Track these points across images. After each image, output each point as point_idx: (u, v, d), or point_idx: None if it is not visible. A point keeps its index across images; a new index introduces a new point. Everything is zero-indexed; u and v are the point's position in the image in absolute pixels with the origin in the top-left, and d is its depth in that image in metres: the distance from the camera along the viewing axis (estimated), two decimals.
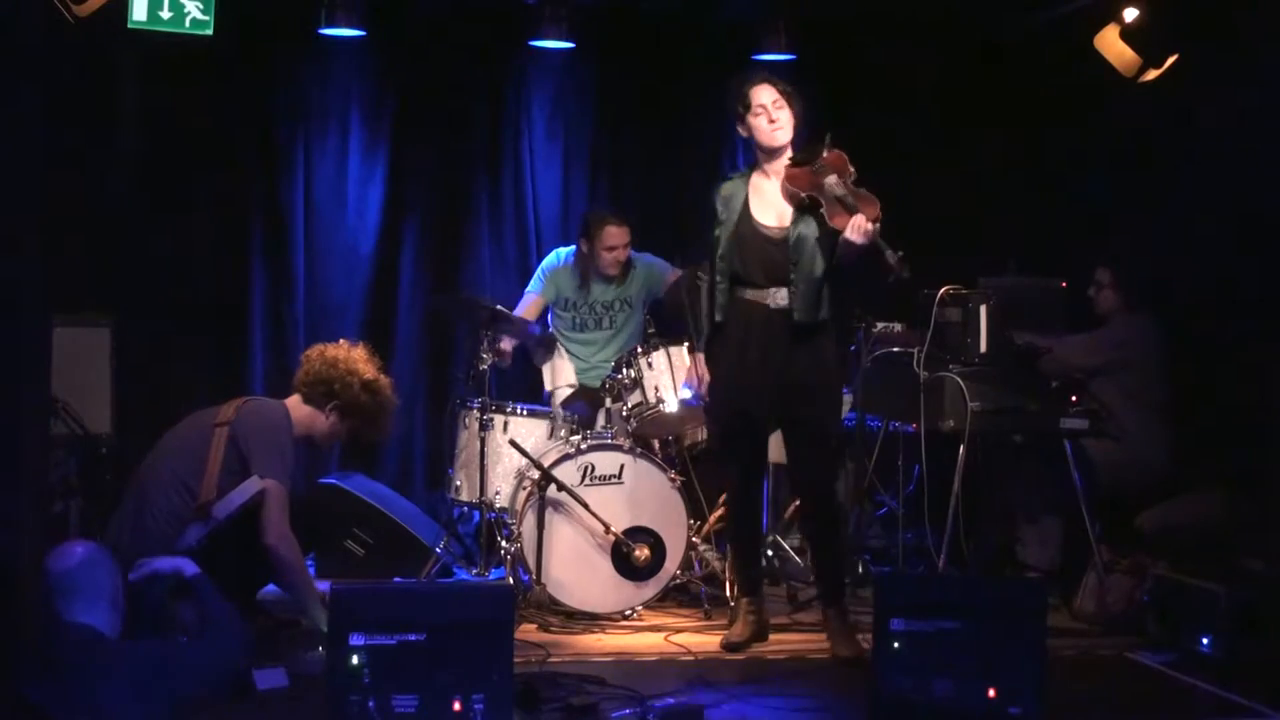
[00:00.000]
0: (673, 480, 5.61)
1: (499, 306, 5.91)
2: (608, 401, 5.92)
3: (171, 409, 5.57)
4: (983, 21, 6.90)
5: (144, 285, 6.53)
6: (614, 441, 5.63)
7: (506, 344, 6.19)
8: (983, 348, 5.58)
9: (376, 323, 7.04)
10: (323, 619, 4.34)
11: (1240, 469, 5.51)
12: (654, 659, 5.02)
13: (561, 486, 5.47)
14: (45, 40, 4.82)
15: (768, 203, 5.04)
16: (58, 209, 5.23)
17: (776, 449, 5.36)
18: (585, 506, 5.48)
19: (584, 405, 6.24)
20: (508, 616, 4.04)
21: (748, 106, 5.01)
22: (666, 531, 5.55)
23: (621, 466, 5.58)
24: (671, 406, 5.69)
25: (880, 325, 5.99)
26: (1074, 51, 6.25)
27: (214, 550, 4.49)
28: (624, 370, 5.81)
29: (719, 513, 5.87)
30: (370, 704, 3.81)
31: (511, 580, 5.54)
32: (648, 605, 5.58)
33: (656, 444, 5.96)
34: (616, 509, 5.53)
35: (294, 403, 5.09)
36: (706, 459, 6.16)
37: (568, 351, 6.47)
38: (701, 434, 6.18)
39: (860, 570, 6.03)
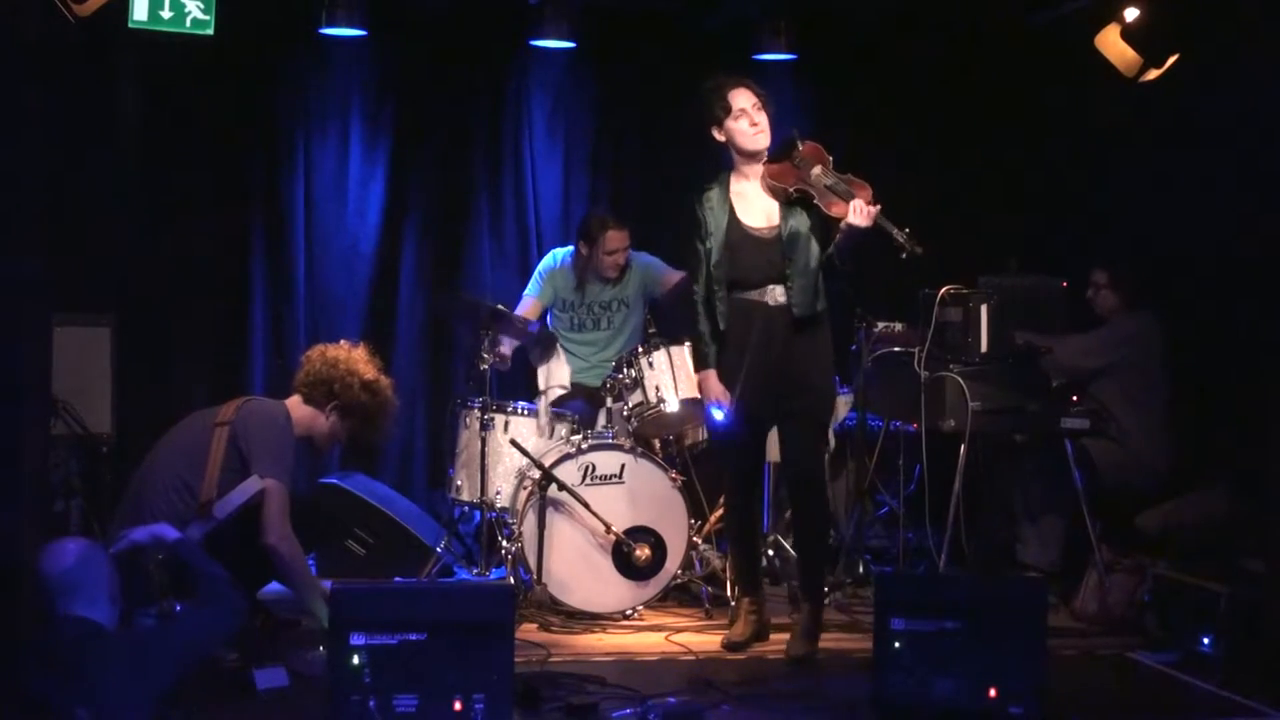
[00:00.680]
0: (673, 480, 5.61)
1: (499, 306, 5.91)
2: (608, 401, 5.92)
3: (171, 409, 5.58)
4: (983, 21, 6.90)
5: (144, 285, 6.52)
6: (615, 441, 5.63)
7: (506, 347, 6.19)
8: (983, 347, 5.58)
9: (377, 322, 7.04)
10: (326, 616, 4.34)
11: (1240, 469, 5.50)
12: (655, 659, 5.02)
13: (562, 486, 5.47)
14: (46, 40, 4.83)
15: (752, 205, 5.05)
16: (58, 209, 5.25)
17: (774, 448, 5.37)
18: (586, 506, 5.48)
19: (581, 403, 6.24)
20: (508, 616, 4.04)
21: (727, 110, 4.99)
22: (667, 531, 5.55)
23: (622, 466, 5.58)
24: (672, 406, 5.69)
25: (881, 325, 5.98)
26: (1074, 51, 6.25)
27: (214, 550, 4.48)
28: (624, 370, 5.81)
29: (719, 512, 5.87)
30: (371, 703, 3.81)
31: (512, 580, 5.54)
32: (648, 605, 5.59)
33: (657, 444, 5.97)
34: (617, 509, 5.53)
35: (294, 403, 5.09)
36: (707, 458, 6.17)
37: (568, 352, 6.46)
38: (702, 434, 6.18)
39: (861, 570, 6.03)
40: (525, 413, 5.96)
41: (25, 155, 4.62)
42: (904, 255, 4.80)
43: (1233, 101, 5.79)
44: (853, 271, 4.98)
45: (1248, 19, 5.58)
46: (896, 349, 5.86)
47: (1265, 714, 4.41)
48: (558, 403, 6.24)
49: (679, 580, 5.68)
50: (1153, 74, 5.93)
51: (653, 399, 5.69)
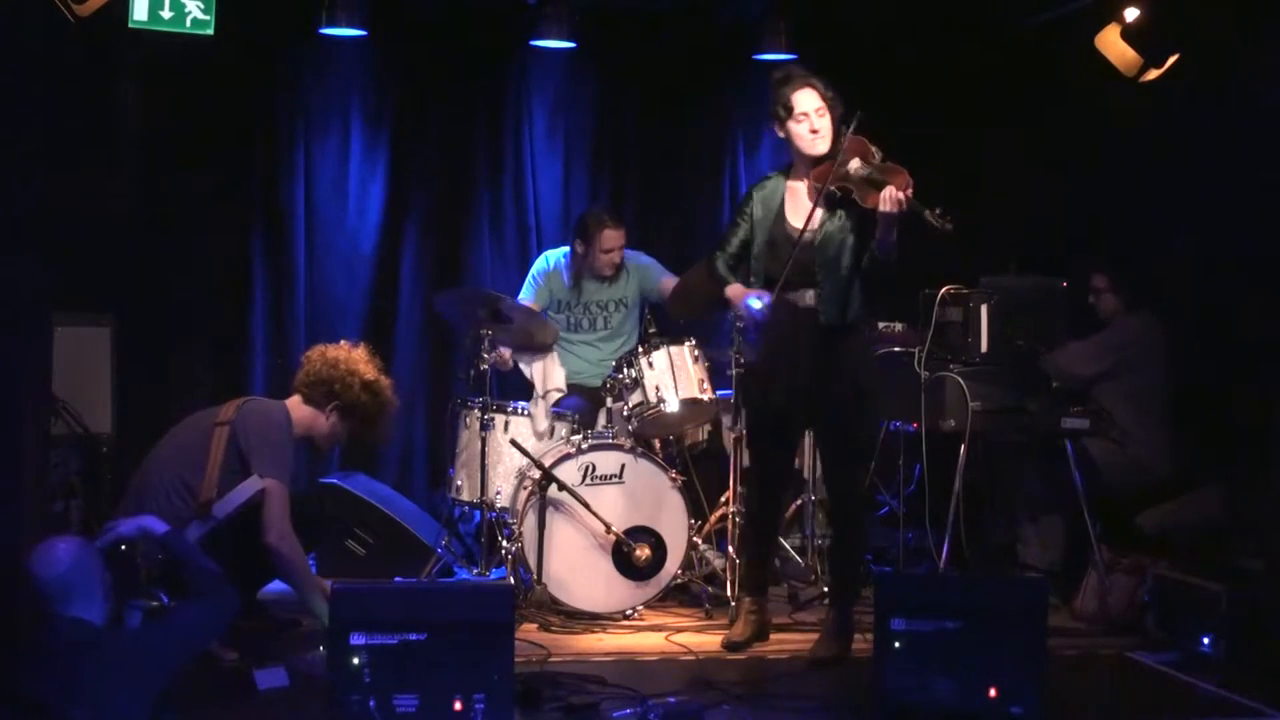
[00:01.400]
0: (673, 480, 5.61)
1: (504, 297, 5.90)
2: (608, 401, 5.91)
3: (171, 409, 5.58)
4: (983, 21, 6.89)
5: (144, 285, 6.52)
6: (615, 441, 5.63)
7: (506, 351, 6.19)
8: (983, 347, 5.58)
9: (377, 322, 7.04)
10: (327, 615, 4.33)
11: (1240, 469, 5.50)
12: (654, 659, 5.02)
13: (562, 486, 5.47)
14: (46, 40, 4.84)
15: (800, 205, 4.96)
16: (58, 209, 5.25)
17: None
18: (586, 506, 5.48)
19: (578, 400, 6.24)
20: (508, 616, 4.04)
21: (789, 111, 4.88)
22: (667, 531, 5.55)
23: (622, 466, 5.58)
24: (672, 406, 5.69)
25: (881, 325, 5.99)
26: (1074, 51, 6.25)
27: (214, 550, 4.48)
28: (625, 370, 5.80)
29: (720, 512, 5.87)
30: (371, 703, 3.81)
31: (512, 580, 5.54)
32: (648, 605, 5.59)
33: (657, 444, 5.96)
34: (617, 509, 5.53)
35: (294, 403, 5.09)
36: (707, 458, 6.17)
37: (567, 353, 6.45)
38: (702, 434, 6.20)
39: (861, 570, 6.03)
40: (525, 413, 5.96)
41: (25, 155, 4.62)
42: (938, 235, 4.68)
43: (1233, 101, 5.79)
44: (893, 263, 4.78)
45: (1248, 19, 5.59)
46: (896, 349, 5.86)
47: (1265, 714, 4.41)
48: (555, 404, 6.23)
49: (679, 580, 5.67)
50: (1153, 74, 5.93)
51: (653, 399, 5.68)
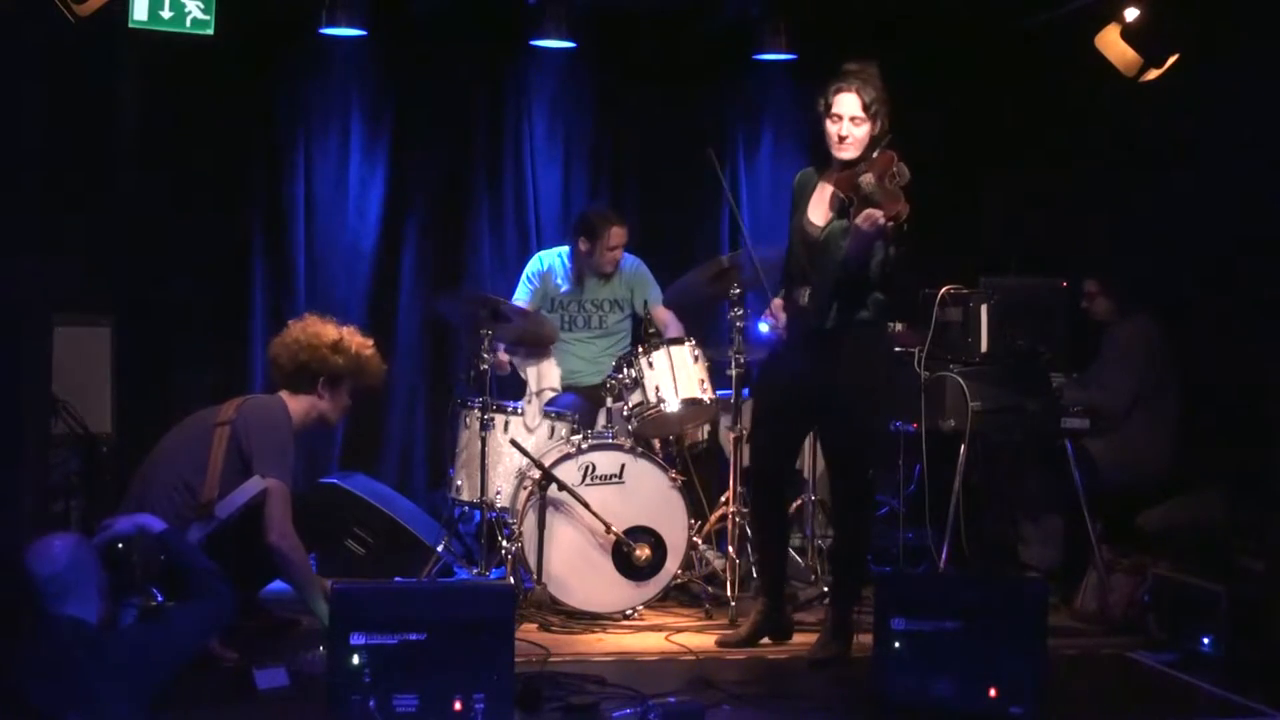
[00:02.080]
0: (673, 480, 5.61)
1: (502, 300, 5.91)
2: (608, 401, 5.92)
3: (171, 409, 5.59)
4: (983, 21, 6.89)
5: (144, 285, 6.52)
6: (615, 441, 5.63)
7: (504, 355, 6.20)
8: (983, 347, 5.58)
9: (377, 322, 7.01)
10: (328, 615, 4.33)
11: (1240, 469, 5.50)
12: (654, 659, 5.02)
13: (562, 486, 5.47)
14: (46, 40, 4.84)
15: (820, 204, 4.94)
16: (58, 209, 5.25)
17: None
18: (586, 506, 5.48)
19: (575, 399, 6.24)
20: (508, 616, 4.05)
21: (828, 109, 4.83)
22: (667, 531, 5.55)
23: (622, 466, 5.58)
24: (672, 406, 5.69)
25: None
26: (1074, 51, 6.25)
27: (216, 550, 4.49)
28: (625, 370, 5.80)
29: (719, 512, 5.87)
30: (371, 703, 3.82)
31: (512, 580, 5.54)
32: (648, 605, 5.58)
33: (657, 443, 5.97)
34: (617, 508, 5.53)
35: (285, 397, 5.09)
36: (707, 458, 6.17)
37: (565, 352, 6.45)
38: (702, 433, 6.20)
39: (862, 571, 6.02)
40: (519, 412, 5.96)
41: (25, 155, 4.63)
42: (887, 261, 4.72)
43: (1233, 101, 5.79)
44: (863, 275, 4.77)
45: (1248, 19, 5.59)
46: (896, 349, 5.86)
47: (1265, 714, 4.40)
48: (550, 404, 6.23)
49: (679, 580, 5.68)
50: (1153, 74, 5.93)
51: (653, 399, 5.68)
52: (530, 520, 5.49)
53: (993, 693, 4.13)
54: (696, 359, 5.75)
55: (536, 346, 6.30)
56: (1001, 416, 5.60)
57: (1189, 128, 6.04)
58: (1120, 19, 5.96)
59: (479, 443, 5.72)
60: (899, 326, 6.01)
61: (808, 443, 5.84)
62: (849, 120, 4.79)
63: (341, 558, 5.93)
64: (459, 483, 5.94)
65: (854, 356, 4.87)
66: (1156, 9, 5.87)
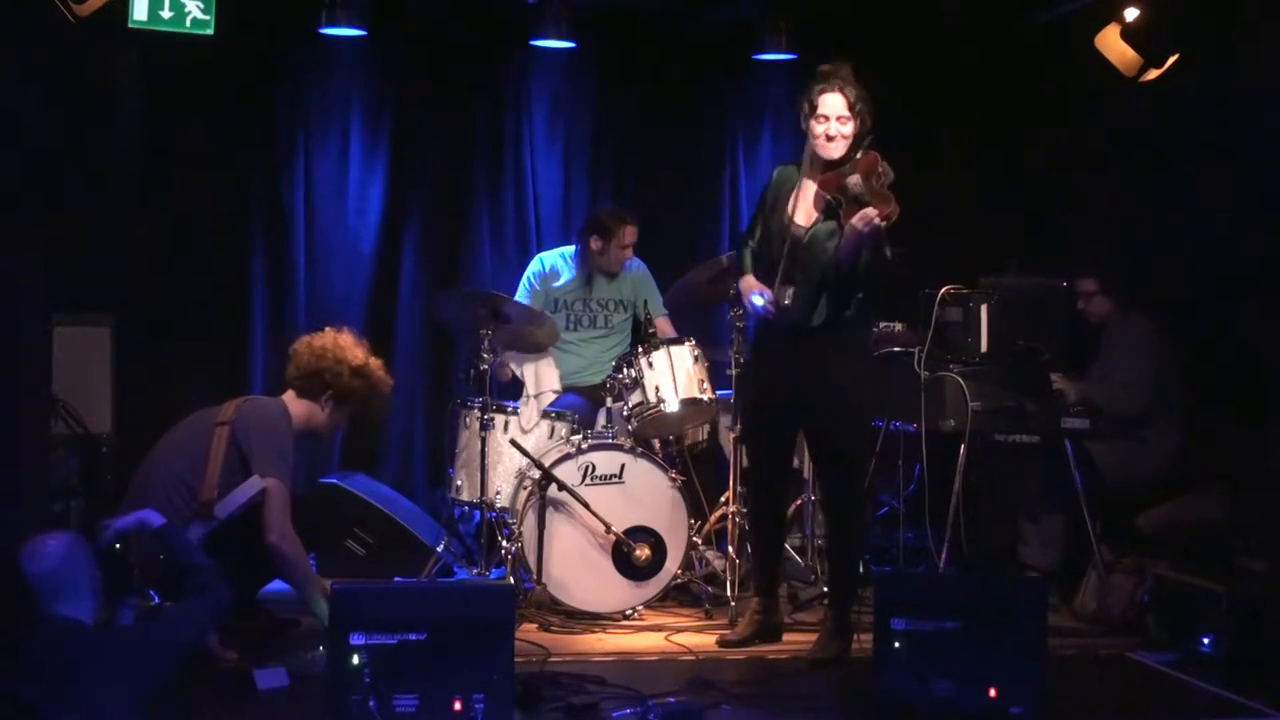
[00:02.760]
0: (673, 480, 5.61)
1: (502, 296, 5.90)
2: (608, 401, 5.92)
3: (171, 409, 5.58)
4: (983, 21, 6.89)
5: (144, 285, 6.52)
6: (614, 441, 5.63)
7: (512, 365, 6.20)
8: (983, 347, 5.57)
9: (377, 322, 7.03)
10: (328, 614, 4.34)
11: (1240, 469, 5.50)
12: (654, 659, 5.02)
13: (562, 486, 5.47)
14: (46, 40, 4.84)
15: (804, 203, 4.96)
16: (58, 209, 5.25)
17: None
18: (586, 506, 5.48)
19: (577, 399, 6.24)
20: (508, 616, 4.05)
21: (813, 109, 4.88)
22: (667, 531, 5.55)
23: (622, 466, 5.58)
24: (672, 406, 5.68)
25: (881, 325, 5.98)
26: (1074, 51, 6.25)
27: (215, 550, 4.49)
28: (625, 370, 5.80)
29: (719, 512, 5.87)
30: (371, 703, 3.81)
31: (512, 580, 5.54)
32: (648, 605, 5.58)
33: (657, 444, 5.96)
34: (617, 509, 5.53)
35: (290, 398, 5.11)
36: (707, 458, 6.17)
37: (566, 352, 6.45)
38: (702, 433, 6.19)
39: (860, 570, 6.02)
40: (524, 414, 5.95)
41: (25, 155, 4.63)
42: (888, 269, 4.74)
43: (1232, 100, 5.79)
44: (856, 276, 4.82)
45: (1248, 19, 5.59)
46: (896, 349, 5.86)
47: (1265, 714, 4.41)
48: (553, 405, 6.23)
49: (679, 580, 5.68)
50: (1153, 74, 5.93)
51: (653, 399, 5.68)
52: (530, 520, 5.49)
53: (993, 693, 4.12)
54: (696, 359, 5.75)
55: (535, 348, 6.29)
56: (1001, 416, 5.58)
57: (1190, 127, 6.04)
58: (1120, 19, 5.95)
59: (479, 443, 5.72)
60: (899, 326, 6.02)
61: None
62: (835, 119, 4.85)
63: (341, 558, 5.93)
64: (459, 483, 5.94)
65: (839, 355, 4.91)
66: (1156, 9, 5.87)
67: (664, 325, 6.29)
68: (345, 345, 5.13)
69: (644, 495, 5.58)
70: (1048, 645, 4.29)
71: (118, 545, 4.22)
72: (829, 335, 4.89)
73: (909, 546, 6.08)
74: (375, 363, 5.19)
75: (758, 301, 4.89)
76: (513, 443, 5.75)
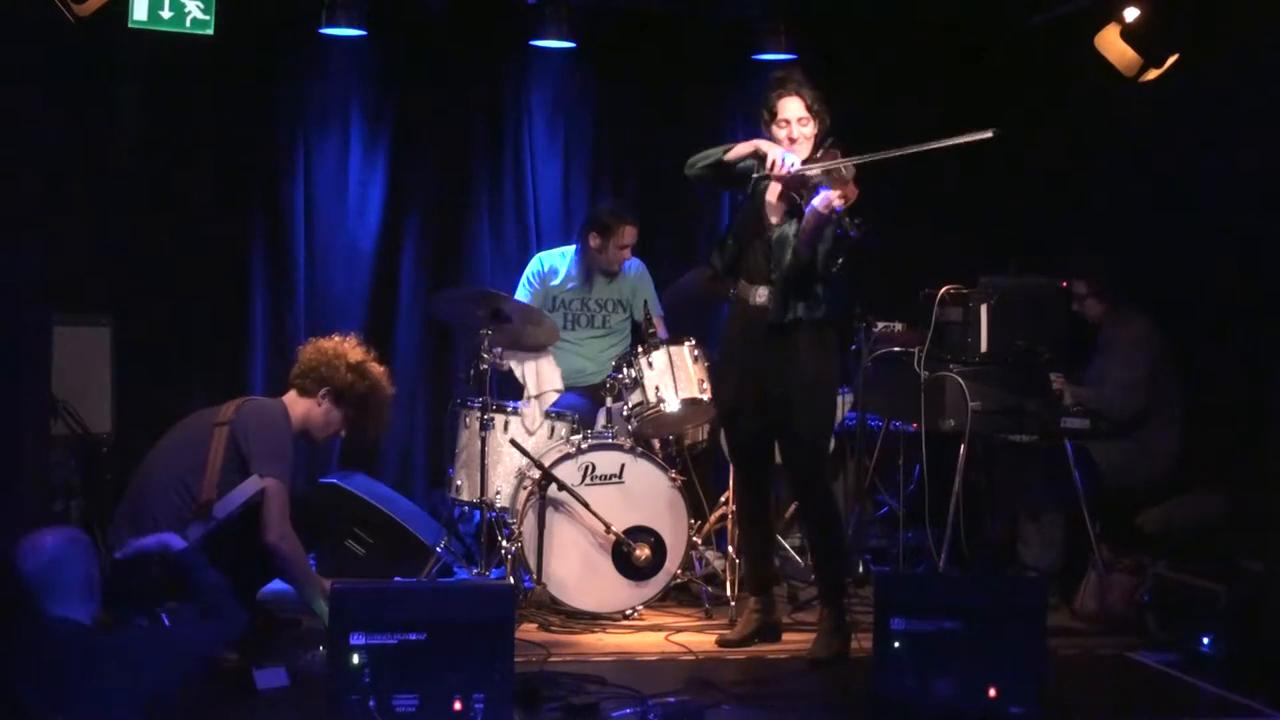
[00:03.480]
0: (673, 480, 5.61)
1: (502, 294, 5.90)
2: (608, 401, 5.92)
3: (171, 409, 5.57)
4: (983, 21, 6.89)
5: (144, 285, 6.52)
6: (614, 441, 5.63)
7: (509, 361, 6.20)
8: (983, 347, 5.58)
9: (377, 322, 7.03)
10: (327, 614, 4.33)
11: (1240, 469, 5.50)
12: (654, 659, 5.02)
13: (562, 486, 5.47)
14: (46, 40, 4.84)
15: (771, 204, 5.02)
16: (57, 208, 5.25)
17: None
18: (586, 506, 5.48)
19: (578, 399, 6.24)
20: (508, 616, 4.04)
21: (773, 115, 4.96)
22: (667, 531, 5.55)
23: (622, 466, 5.58)
24: (672, 406, 5.68)
25: (880, 325, 5.99)
26: (1074, 51, 6.24)
27: (214, 550, 4.49)
28: (625, 370, 5.80)
29: (719, 512, 5.88)
30: (371, 703, 3.82)
31: (512, 580, 5.54)
32: (648, 605, 5.58)
33: (657, 444, 5.96)
34: (617, 508, 5.53)
35: (291, 398, 5.11)
36: (707, 458, 6.17)
37: (567, 352, 6.44)
38: (702, 433, 6.19)
39: (860, 570, 6.04)
40: (524, 414, 5.95)
41: (25, 155, 4.63)
42: (846, 237, 4.71)
43: (1232, 100, 5.79)
44: (815, 263, 4.85)
45: (1247, 19, 5.59)
46: (896, 349, 5.86)
47: (1265, 714, 4.41)
48: (554, 405, 6.23)
49: (679, 580, 5.68)
50: (1153, 74, 5.93)
51: (653, 399, 5.68)
52: (530, 520, 5.49)
53: (993, 693, 4.13)
54: (696, 359, 5.74)
55: (534, 348, 6.29)
56: (1001, 416, 5.59)
57: (1187, 127, 6.04)
58: (1120, 19, 5.96)
59: (479, 443, 5.71)
60: (899, 326, 6.02)
61: None
62: (796, 122, 4.94)
63: (341, 558, 5.93)
64: (459, 483, 5.94)
65: (805, 352, 4.94)
66: (1156, 9, 5.87)
67: (657, 325, 6.29)
68: (347, 346, 5.16)
69: (644, 495, 5.58)
70: (1048, 645, 4.29)
71: (137, 563, 4.23)
72: (804, 330, 4.93)
73: (909, 546, 6.08)
74: (377, 366, 5.20)
75: (789, 159, 4.82)
76: (513, 442, 5.75)
